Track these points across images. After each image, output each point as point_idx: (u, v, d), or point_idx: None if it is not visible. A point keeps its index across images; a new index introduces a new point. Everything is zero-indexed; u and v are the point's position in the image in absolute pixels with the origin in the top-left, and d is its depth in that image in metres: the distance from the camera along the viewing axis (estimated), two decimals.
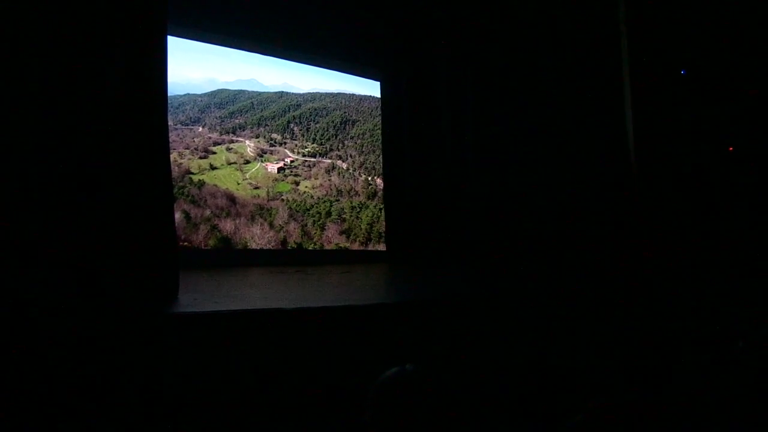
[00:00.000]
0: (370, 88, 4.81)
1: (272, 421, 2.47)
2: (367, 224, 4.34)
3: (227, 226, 3.79)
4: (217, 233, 3.73)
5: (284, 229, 4.01)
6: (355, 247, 4.32)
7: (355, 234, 4.31)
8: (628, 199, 4.59)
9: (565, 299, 3.88)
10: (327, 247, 4.21)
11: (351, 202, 4.49)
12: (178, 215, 3.59)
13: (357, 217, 4.40)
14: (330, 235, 4.23)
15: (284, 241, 3.98)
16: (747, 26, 4.28)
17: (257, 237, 3.87)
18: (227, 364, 2.77)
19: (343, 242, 4.25)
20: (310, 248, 4.11)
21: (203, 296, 3.29)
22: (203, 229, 3.68)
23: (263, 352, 3.03)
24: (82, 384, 2.17)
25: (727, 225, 4.41)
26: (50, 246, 2.32)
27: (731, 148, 4.67)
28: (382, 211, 4.35)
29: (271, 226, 3.96)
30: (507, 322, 3.53)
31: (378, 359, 3.17)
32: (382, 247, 4.40)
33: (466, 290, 4.08)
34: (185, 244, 3.59)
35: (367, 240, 4.30)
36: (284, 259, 4.05)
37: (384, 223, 4.30)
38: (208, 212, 3.76)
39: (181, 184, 3.78)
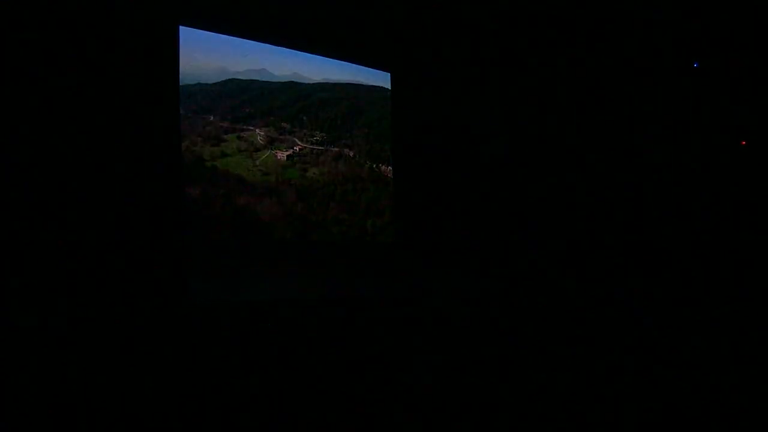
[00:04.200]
0: (379, 78, 4.92)
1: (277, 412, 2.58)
2: (367, 202, 4.65)
3: (239, 200, 4.08)
4: (231, 205, 4.03)
5: (291, 208, 4.32)
6: (355, 220, 4.60)
7: (355, 210, 4.62)
8: (645, 198, 4.61)
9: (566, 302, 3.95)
10: (328, 219, 4.49)
11: (354, 186, 4.69)
12: (194, 191, 3.77)
13: (359, 197, 4.67)
14: (333, 212, 4.50)
15: (290, 213, 4.31)
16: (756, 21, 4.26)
17: (266, 209, 4.18)
18: (236, 353, 2.90)
19: (343, 214, 4.56)
20: (313, 220, 4.40)
21: (211, 288, 3.43)
22: (218, 202, 3.95)
23: (272, 341, 3.16)
24: (91, 377, 2.28)
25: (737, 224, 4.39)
26: (63, 239, 2.43)
27: (744, 142, 4.66)
28: (383, 192, 4.63)
29: (280, 203, 4.27)
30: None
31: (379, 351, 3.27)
32: (379, 221, 4.65)
33: (466, 289, 4.19)
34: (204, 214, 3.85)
35: (366, 215, 4.58)
36: (292, 250, 4.26)
37: (380, 200, 4.53)
38: (221, 191, 3.98)
39: (195, 170, 3.94)
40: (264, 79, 4.40)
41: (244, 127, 4.31)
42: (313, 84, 4.67)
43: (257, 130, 4.38)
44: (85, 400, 2.22)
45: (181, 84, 3.45)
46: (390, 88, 4.94)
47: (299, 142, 4.54)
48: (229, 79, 4.17)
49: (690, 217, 4.28)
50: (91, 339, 2.41)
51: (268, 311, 3.49)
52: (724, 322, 3.51)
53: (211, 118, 4.12)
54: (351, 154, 4.76)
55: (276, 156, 4.41)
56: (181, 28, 3.35)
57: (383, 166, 4.88)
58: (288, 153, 4.46)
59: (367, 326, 3.62)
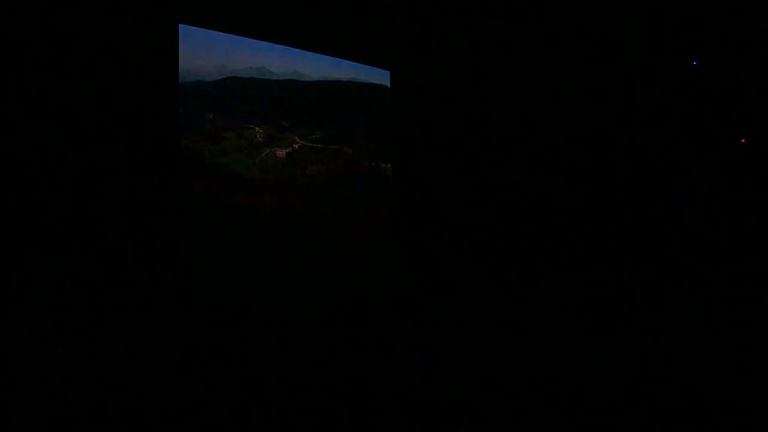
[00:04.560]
0: (379, 76, 4.93)
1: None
2: (366, 199, 4.74)
3: (239, 198, 4.11)
4: (231, 203, 4.05)
5: (291, 205, 4.36)
6: (354, 217, 4.66)
7: (354, 207, 4.70)
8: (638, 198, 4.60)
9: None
10: (327, 217, 4.55)
11: (354, 183, 4.76)
12: (194, 189, 3.78)
13: (358, 195, 4.76)
14: (332, 209, 4.57)
15: (290, 210, 4.34)
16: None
17: (266, 206, 4.22)
18: (235, 351, 2.91)
19: (342, 212, 4.63)
20: (312, 218, 4.46)
21: (211, 285, 3.43)
22: (218, 200, 3.97)
23: (271, 338, 3.17)
24: (93, 376, 2.28)
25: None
26: (62, 238, 2.44)
27: (743, 140, 4.66)
28: (382, 189, 4.71)
29: (279, 200, 4.31)
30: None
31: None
32: (378, 218, 4.72)
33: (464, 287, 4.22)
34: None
35: (365, 212, 4.71)
36: (291, 248, 4.27)
37: (379, 198, 4.60)
38: (221, 189, 4.01)
39: (195, 168, 3.95)
40: (263, 77, 4.41)
41: (244, 125, 4.33)
42: (313, 82, 4.68)
43: (257, 128, 4.40)
44: (88, 398, 2.23)
45: (180, 82, 3.46)
46: (389, 86, 4.96)
47: (299, 140, 4.56)
48: (229, 77, 4.18)
49: (689, 215, 4.30)
50: (91, 337, 2.42)
51: (267, 309, 3.50)
52: (723, 320, 3.52)
53: (211, 116, 4.13)
54: (350, 152, 4.78)
55: (276, 154, 4.43)
56: (181, 26, 3.36)
57: (382, 164, 4.89)
58: (287, 151, 4.48)
59: (366, 324, 3.64)
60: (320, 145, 4.65)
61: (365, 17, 4.58)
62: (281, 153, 4.45)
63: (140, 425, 2.25)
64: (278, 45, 4.39)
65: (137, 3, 2.80)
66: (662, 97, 4.49)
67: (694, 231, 4.22)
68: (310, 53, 4.59)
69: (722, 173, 4.35)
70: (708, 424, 2.53)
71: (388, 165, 4.93)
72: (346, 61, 4.78)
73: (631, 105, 4.41)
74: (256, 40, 4.22)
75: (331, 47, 4.65)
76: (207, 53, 3.85)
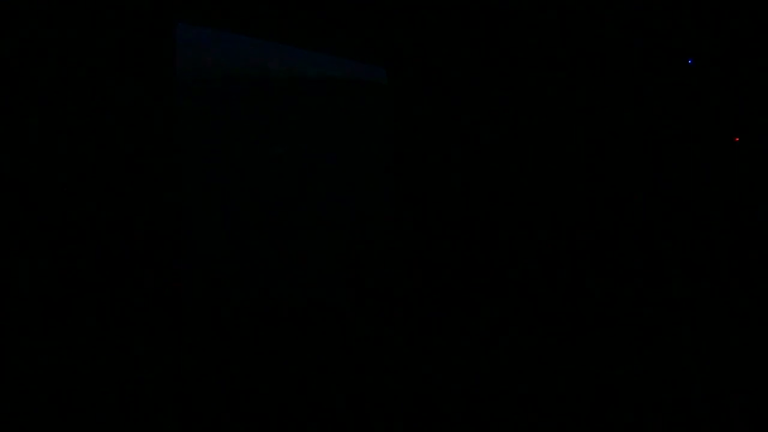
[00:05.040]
0: (379, 74, 4.92)
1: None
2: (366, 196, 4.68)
3: (239, 197, 4.08)
4: (230, 201, 4.03)
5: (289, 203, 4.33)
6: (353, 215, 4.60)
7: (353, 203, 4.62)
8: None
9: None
10: (328, 216, 4.50)
11: (353, 181, 4.71)
12: (193, 188, 3.77)
13: (358, 193, 4.66)
14: (331, 207, 4.49)
15: (289, 209, 4.31)
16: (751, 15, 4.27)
17: (265, 205, 4.22)
18: (234, 350, 2.91)
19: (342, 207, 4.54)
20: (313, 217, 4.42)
21: (210, 284, 3.43)
22: (217, 198, 3.96)
23: (270, 337, 3.17)
24: (91, 376, 2.27)
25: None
26: (61, 238, 2.43)
27: (737, 138, 4.69)
28: (381, 186, 4.72)
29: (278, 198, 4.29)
30: None
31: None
32: (379, 216, 4.67)
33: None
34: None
35: (364, 207, 4.66)
36: (291, 247, 4.26)
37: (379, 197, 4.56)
38: (220, 188, 4.00)
39: (193, 167, 3.93)
40: (262, 76, 4.40)
41: (243, 124, 4.32)
42: (313, 80, 4.68)
43: (255, 127, 4.39)
44: (84, 399, 2.22)
45: (178, 81, 3.44)
46: (387, 84, 4.94)
47: (297, 138, 4.57)
48: (227, 76, 4.16)
49: (684, 215, 4.32)
50: (91, 337, 2.41)
51: (267, 308, 3.50)
52: (723, 321, 3.55)
53: (210, 115, 4.11)
54: (351, 150, 4.79)
55: (275, 152, 4.43)
56: (179, 25, 3.33)
57: (382, 163, 4.91)
58: (287, 149, 4.49)
59: (366, 325, 3.64)
60: (320, 144, 4.65)
61: (362, 13, 4.56)
62: (281, 151, 4.45)
63: (139, 426, 2.24)
64: (278, 43, 4.37)
65: (135, 1, 2.76)
66: (657, 95, 4.51)
67: (690, 231, 4.25)
68: (309, 51, 4.58)
69: (717, 172, 4.38)
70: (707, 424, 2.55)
71: (388, 164, 4.93)
72: (344, 58, 4.78)
73: (631, 103, 4.43)
74: (255, 39, 4.20)
75: (327, 44, 4.64)
76: (204, 52, 3.82)
